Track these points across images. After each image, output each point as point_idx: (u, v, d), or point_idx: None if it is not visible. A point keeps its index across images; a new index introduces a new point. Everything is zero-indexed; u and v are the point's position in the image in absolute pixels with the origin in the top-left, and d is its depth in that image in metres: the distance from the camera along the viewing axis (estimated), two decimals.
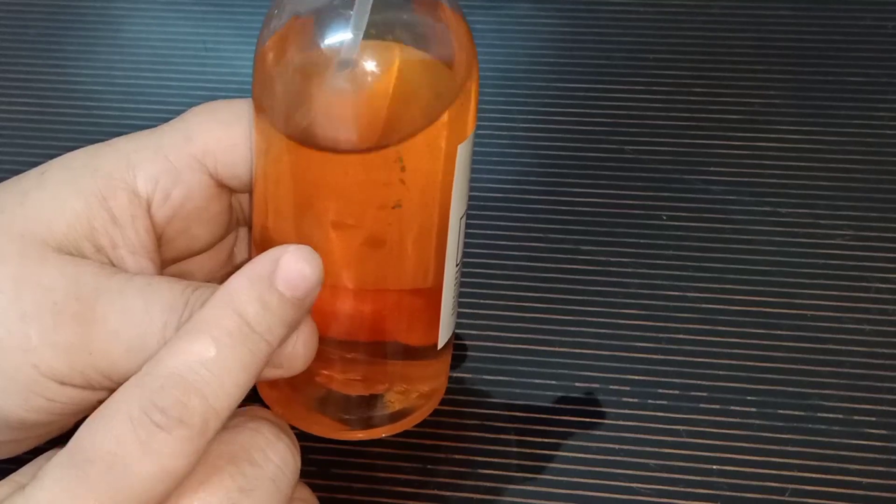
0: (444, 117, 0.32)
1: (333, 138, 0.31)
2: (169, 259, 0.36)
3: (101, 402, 0.29)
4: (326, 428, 0.38)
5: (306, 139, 0.31)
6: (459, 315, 0.42)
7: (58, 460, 0.28)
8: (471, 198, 0.46)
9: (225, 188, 0.35)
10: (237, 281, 0.30)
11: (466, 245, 0.45)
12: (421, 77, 0.32)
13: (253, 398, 0.39)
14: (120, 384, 0.29)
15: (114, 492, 0.27)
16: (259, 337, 0.29)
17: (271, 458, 0.30)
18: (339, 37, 0.30)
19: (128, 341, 0.31)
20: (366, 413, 0.37)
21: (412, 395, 0.37)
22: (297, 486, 0.32)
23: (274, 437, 0.30)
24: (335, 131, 0.31)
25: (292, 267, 0.30)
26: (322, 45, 0.31)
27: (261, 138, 0.32)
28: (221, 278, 0.37)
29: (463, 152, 0.33)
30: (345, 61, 0.30)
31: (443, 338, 0.36)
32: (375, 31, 0.30)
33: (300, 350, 0.32)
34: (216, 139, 0.34)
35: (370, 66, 0.30)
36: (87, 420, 0.28)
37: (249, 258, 0.36)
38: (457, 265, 0.35)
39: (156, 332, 0.31)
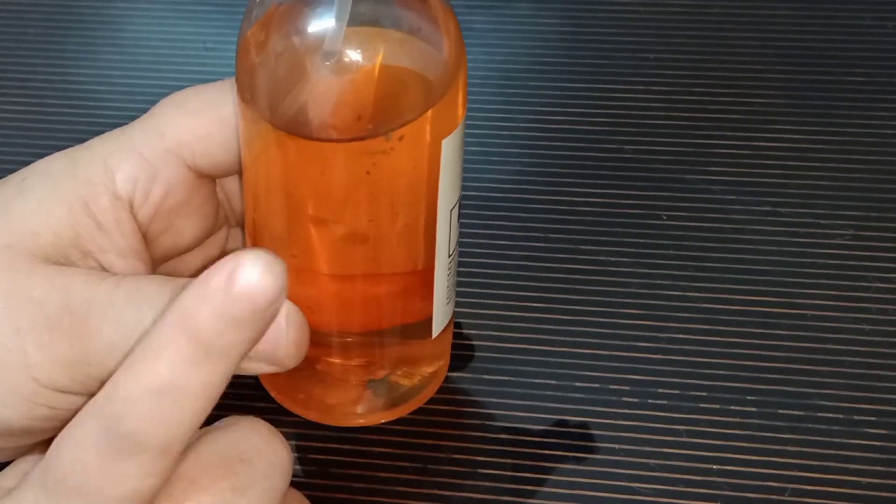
0: (432, 112, 0.32)
1: (318, 128, 0.31)
2: (159, 258, 0.36)
3: None
4: (327, 415, 0.38)
5: (291, 128, 0.31)
6: (459, 315, 0.42)
7: (30, 479, 0.28)
8: (473, 197, 0.46)
9: (206, 177, 0.35)
10: (188, 297, 0.26)
11: (467, 245, 0.45)
12: (408, 64, 0.31)
13: (255, 388, 0.40)
14: None
15: None
16: (217, 355, 0.27)
17: (264, 455, 0.30)
18: (322, 26, 0.30)
19: (124, 352, 0.30)
20: (366, 399, 0.37)
21: (411, 380, 0.37)
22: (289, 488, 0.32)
23: (267, 435, 0.30)
24: (320, 121, 0.31)
25: (250, 278, 0.26)
26: (305, 35, 0.30)
27: (246, 128, 0.32)
28: None
29: (451, 144, 0.32)
30: (329, 51, 0.30)
31: (437, 325, 0.36)
32: (361, 19, 0.30)
33: (292, 350, 0.31)
34: (189, 130, 0.34)
35: (354, 55, 0.30)
36: (54, 443, 0.28)
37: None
38: (450, 255, 0.35)
39: None
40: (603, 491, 0.37)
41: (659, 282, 0.43)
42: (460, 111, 0.33)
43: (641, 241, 0.45)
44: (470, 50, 0.53)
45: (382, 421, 0.38)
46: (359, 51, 0.30)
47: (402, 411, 0.38)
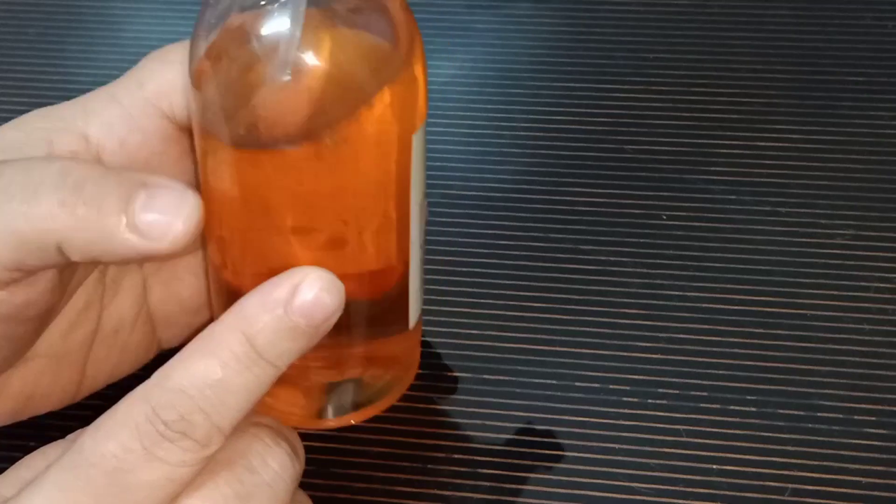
0: (392, 104, 0.31)
1: (278, 136, 0.30)
2: None
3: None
4: (301, 419, 0.37)
5: (251, 141, 0.31)
6: (459, 314, 0.42)
7: (60, 464, 0.28)
8: (473, 197, 0.46)
9: (184, 131, 0.35)
10: (251, 304, 0.29)
11: (467, 245, 0.45)
12: (362, 63, 0.31)
13: None
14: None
15: (115, 497, 0.28)
16: (267, 363, 0.29)
17: (269, 464, 0.30)
18: (276, 35, 0.30)
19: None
20: (341, 399, 0.37)
21: (385, 378, 0.37)
22: (296, 491, 0.32)
23: (272, 443, 0.30)
24: (280, 129, 0.30)
25: (312, 295, 0.29)
26: (260, 45, 0.30)
27: (201, 149, 0.32)
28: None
29: (418, 141, 0.32)
30: (284, 59, 0.30)
31: (413, 318, 0.36)
32: (314, 21, 0.30)
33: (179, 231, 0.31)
34: (169, 81, 0.34)
35: (310, 60, 0.30)
36: (91, 427, 0.29)
37: (206, 273, 0.35)
38: (421, 247, 0.35)
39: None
40: (603, 491, 0.37)
41: (659, 282, 0.43)
42: (423, 103, 0.33)
43: (642, 241, 0.45)
44: (470, 50, 0.53)
45: (354, 421, 0.38)
46: (314, 55, 0.30)
47: (376, 409, 0.38)
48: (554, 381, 0.40)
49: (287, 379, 0.35)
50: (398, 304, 0.36)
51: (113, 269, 0.37)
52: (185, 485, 0.29)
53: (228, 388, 0.28)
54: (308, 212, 0.32)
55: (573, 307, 0.42)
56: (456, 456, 0.38)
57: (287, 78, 0.30)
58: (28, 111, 0.35)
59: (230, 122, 0.31)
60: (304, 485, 0.37)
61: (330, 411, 0.37)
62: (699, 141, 0.48)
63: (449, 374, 0.40)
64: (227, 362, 0.28)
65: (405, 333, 0.37)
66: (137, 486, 0.28)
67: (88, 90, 0.35)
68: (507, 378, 0.40)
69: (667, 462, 0.38)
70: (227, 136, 0.31)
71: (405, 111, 0.32)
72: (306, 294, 0.29)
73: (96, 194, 0.30)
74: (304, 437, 0.39)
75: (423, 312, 0.40)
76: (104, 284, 0.36)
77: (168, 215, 0.29)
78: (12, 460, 0.31)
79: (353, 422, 0.38)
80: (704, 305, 0.42)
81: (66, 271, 0.34)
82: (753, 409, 0.39)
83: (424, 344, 0.41)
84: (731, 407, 0.39)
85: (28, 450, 0.31)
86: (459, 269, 0.44)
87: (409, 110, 0.32)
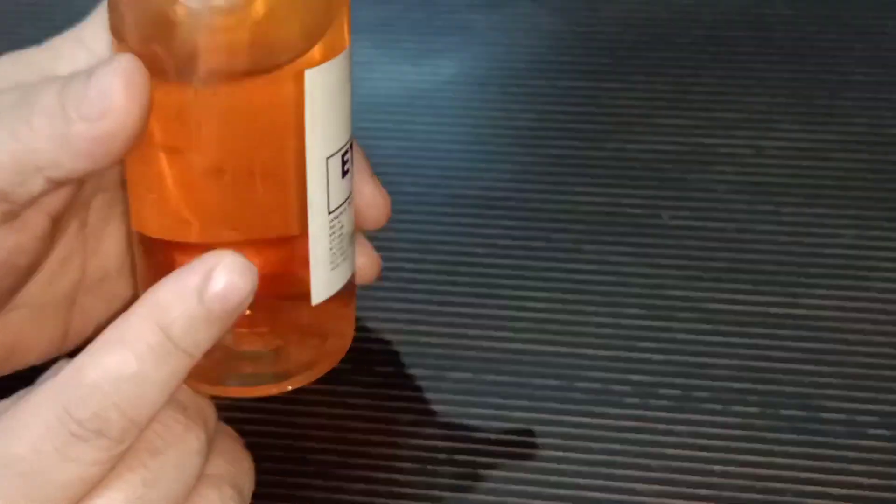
0: (270, 27, 0.30)
1: (181, 67, 0.30)
2: None
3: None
4: (229, 388, 0.35)
5: (157, 68, 0.30)
6: (459, 314, 0.42)
7: None
8: (473, 197, 0.46)
9: None
10: (164, 292, 0.28)
11: (467, 245, 0.45)
12: None
13: None
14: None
15: (27, 498, 0.27)
16: (183, 353, 0.28)
17: (172, 443, 0.29)
18: None
19: None
20: (265, 367, 0.35)
21: (299, 351, 0.35)
22: (213, 456, 0.31)
23: (173, 421, 0.30)
24: (183, 59, 0.29)
25: (226, 280, 0.28)
26: None
27: None
28: None
29: (319, 78, 0.30)
30: None
31: (319, 292, 0.34)
32: None
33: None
34: None
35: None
36: (3, 423, 0.28)
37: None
38: (331, 211, 0.33)
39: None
40: (603, 491, 0.37)
41: (660, 281, 0.43)
42: (332, 41, 0.31)
43: (642, 240, 0.45)
44: (470, 49, 0.53)
45: (272, 393, 0.36)
46: None
47: (293, 384, 0.36)
48: (554, 381, 0.40)
49: (215, 351, 0.34)
50: (297, 275, 0.33)
51: (94, 218, 0.36)
52: (96, 483, 0.28)
53: (145, 381, 0.28)
54: (204, 156, 0.31)
55: (573, 307, 0.42)
56: (456, 456, 0.38)
57: (190, 7, 0.29)
58: None
59: (137, 41, 0.30)
60: (304, 485, 0.37)
61: (240, 380, 0.35)
62: (700, 141, 0.48)
63: (449, 374, 0.40)
64: (143, 355, 0.28)
65: (313, 308, 0.34)
66: (51, 488, 0.27)
67: None
68: (506, 378, 0.40)
69: (668, 463, 0.38)
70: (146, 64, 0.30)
71: (291, 36, 0.30)
72: (219, 279, 0.28)
73: (46, 105, 0.30)
74: (303, 437, 0.39)
75: (423, 312, 0.40)
76: (85, 234, 0.36)
77: (105, 90, 0.29)
78: None
79: (272, 392, 0.36)
80: (706, 305, 0.42)
81: (56, 221, 0.34)
82: (755, 409, 0.39)
83: (425, 344, 0.41)
84: (733, 407, 0.39)
85: None
86: (459, 268, 0.44)
87: (300, 36, 0.30)
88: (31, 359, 0.36)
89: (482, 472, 0.38)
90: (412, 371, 0.41)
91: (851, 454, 0.38)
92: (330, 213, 0.33)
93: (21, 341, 0.35)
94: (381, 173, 0.48)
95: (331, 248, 0.33)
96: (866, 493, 0.36)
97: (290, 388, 0.36)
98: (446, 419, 0.39)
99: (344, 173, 0.33)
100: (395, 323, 0.42)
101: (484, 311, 0.42)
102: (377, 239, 0.45)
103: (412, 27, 0.54)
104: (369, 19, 0.55)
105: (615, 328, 0.42)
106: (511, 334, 0.42)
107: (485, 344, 0.41)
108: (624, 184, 0.47)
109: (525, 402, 0.39)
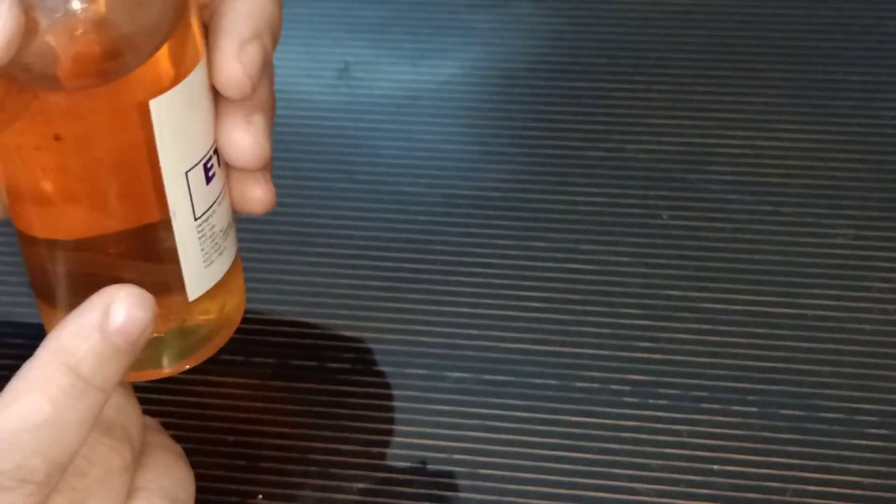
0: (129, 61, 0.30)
1: (33, 71, 0.29)
2: None
3: None
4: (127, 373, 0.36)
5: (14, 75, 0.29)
6: (460, 314, 0.42)
7: None
8: (473, 197, 0.46)
9: None
10: (66, 334, 0.29)
11: (467, 245, 0.45)
12: (119, 21, 0.30)
13: None
14: None
15: None
16: (96, 389, 0.28)
17: (95, 461, 0.30)
18: None
19: None
20: (157, 352, 0.35)
21: (196, 331, 0.36)
22: (143, 471, 0.31)
23: (97, 443, 0.30)
24: (35, 64, 0.29)
25: (125, 312, 0.29)
26: None
27: None
28: None
29: (164, 107, 0.31)
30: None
31: (194, 289, 0.34)
32: None
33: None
34: None
35: (76, 4, 0.29)
36: None
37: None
38: (197, 218, 0.33)
39: None
40: (603, 491, 0.37)
41: (659, 281, 0.43)
42: (178, 64, 0.31)
43: (642, 240, 0.45)
44: (470, 49, 0.53)
45: (165, 375, 0.36)
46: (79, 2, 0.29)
47: (190, 363, 0.36)
48: (554, 381, 0.40)
49: None
50: (170, 279, 0.34)
51: None
52: None
53: (63, 423, 0.28)
54: (55, 162, 0.31)
55: (573, 307, 0.42)
56: (456, 456, 0.38)
57: (44, 18, 0.28)
58: None
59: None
60: (303, 485, 0.37)
61: (135, 364, 0.36)
62: (699, 140, 0.48)
63: (449, 374, 0.40)
64: (56, 398, 0.28)
65: (185, 301, 0.34)
66: None
67: None
68: (507, 378, 0.40)
69: (667, 462, 0.38)
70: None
71: (145, 73, 0.30)
72: (118, 314, 0.28)
73: None
74: (302, 436, 0.39)
75: (423, 312, 0.40)
76: None
77: None
78: None
79: (164, 375, 0.36)
80: (705, 305, 0.42)
81: None
82: (754, 409, 0.39)
83: (425, 344, 0.41)
84: (732, 407, 0.39)
85: None
86: (459, 268, 0.44)
87: (149, 73, 0.30)
88: None
89: (482, 472, 0.38)
90: (412, 371, 0.41)
91: (851, 454, 0.38)
92: (196, 219, 0.33)
93: None
94: (381, 173, 0.48)
95: (202, 249, 0.34)
96: (866, 492, 0.37)
97: (187, 366, 0.36)
98: (445, 419, 0.39)
99: (209, 179, 0.33)
100: (394, 323, 0.42)
101: (484, 311, 0.42)
102: (379, 240, 0.45)
103: (412, 27, 0.54)
104: (369, 19, 0.55)
105: (614, 328, 0.42)
106: (511, 334, 0.42)
107: (485, 344, 0.41)
108: (623, 184, 0.47)
109: (525, 402, 0.40)
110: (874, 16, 0.53)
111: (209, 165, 0.33)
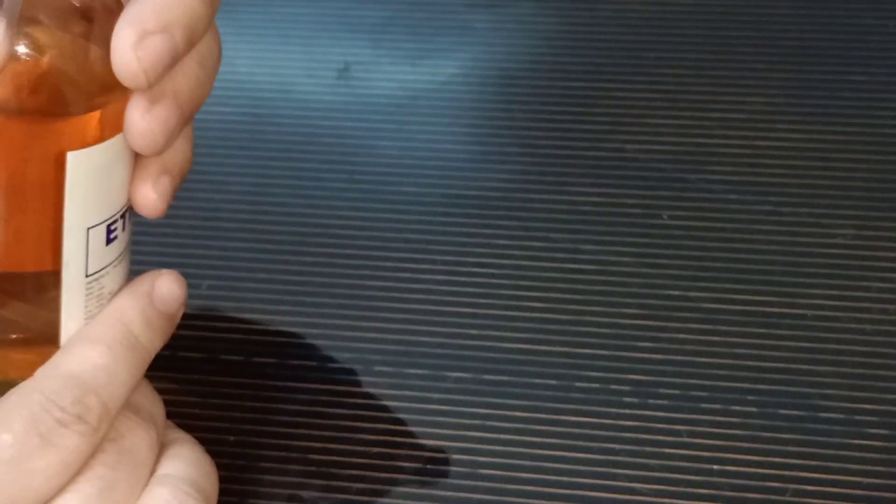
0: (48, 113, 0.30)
1: None
2: None
3: None
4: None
5: None
6: (459, 314, 0.42)
7: None
8: (473, 197, 0.46)
9: None
10: (124, 297, 0.33)
11: (467, 245, 0.45)
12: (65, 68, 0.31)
13: None
14: None
15: (12, 484, 0.29)
16: (142, 346, 0.32)
17: (125, 434, 0.31)
18: None
19: None
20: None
21: None
22: (168, 459, 0.33)
23: (125, 417, 0.32)
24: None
25: (166, 288, 0.33)
26: None
27: None
28: None
29: (81, 162, 0.31)
30: None
31: (68, 330, 0.34)
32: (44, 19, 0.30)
33: None
34: None
35: (21, 49, 0.29)
36: None
37: None
38: (88, 275, 0.33)
39: None
40: (603, 491, 0.37)
41: (659, 281, 0.43)
42: (100, 131, 0.31)
43: (642, 241, 0.45)
44: (470, 49, 0.53)
45: None
46: (25, 46, 0.29)
47: None
48: (554, 381, 0.40)
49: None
50: (46, 328, 0.34)
51: None
52: (75, 474, 0.30)
53: (116, 370, 0.31)
54: None
55: (573, 307, 0.42)
56: (456, 456, 0.38)
57: None
58: None
59: None
60: (302, 485, 0.37)
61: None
62: (699, 140, 0.48)
63: (449, 374, 0.40)
64: (112, 346, 0.31)
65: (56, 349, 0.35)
66: (34, 474, 0.29)
67: None
68: (507, 378, 0.40)
69: (667, 462, 0.38)
70: None
71: (71, 124, 0.31)
72: (162, 286, 0.33)
73: None
74: (302, 436, 0.39)
75: (423, 312, 0.40)
76: None
77: None
78: None
79: None
80: (705, 305, 0.42)
81: None
82: (754, 409, 0.39)
83: (425, 343, 0.41)
84: (732, 407, 0.39)
85: None
86: (459, 268, 0.44)
87: (76, 126, 0.31)
88: None
89: (482, 471, 0.38)
90: (412, 371, 0.41)
91: (850, 453, 0.38)
92: (87, 276, 0.33)
93: None
94: (380, 173, 0.48)
95: (86, 307, 0.34)
96: (865, 492, 0.37)
97: None
98: (446, 419, 0.39)
99: (109, 241, 0.33)
100: (395, 323, 0.42)
101: (484, 311, 0.42)
102: (379, 240, 0.45)
103: (412, 27, 0.54)
104: (369, 19, 0.55)
105: (614, 328, 0.42)
106: (511, 334, 0.42)
107: (485, 344, 0.41)
108: (623, 184, 0.47)
109: (525, 402, 0.40)
110: (874, 16, 0.53)
111: (112, 227, 0.33)
